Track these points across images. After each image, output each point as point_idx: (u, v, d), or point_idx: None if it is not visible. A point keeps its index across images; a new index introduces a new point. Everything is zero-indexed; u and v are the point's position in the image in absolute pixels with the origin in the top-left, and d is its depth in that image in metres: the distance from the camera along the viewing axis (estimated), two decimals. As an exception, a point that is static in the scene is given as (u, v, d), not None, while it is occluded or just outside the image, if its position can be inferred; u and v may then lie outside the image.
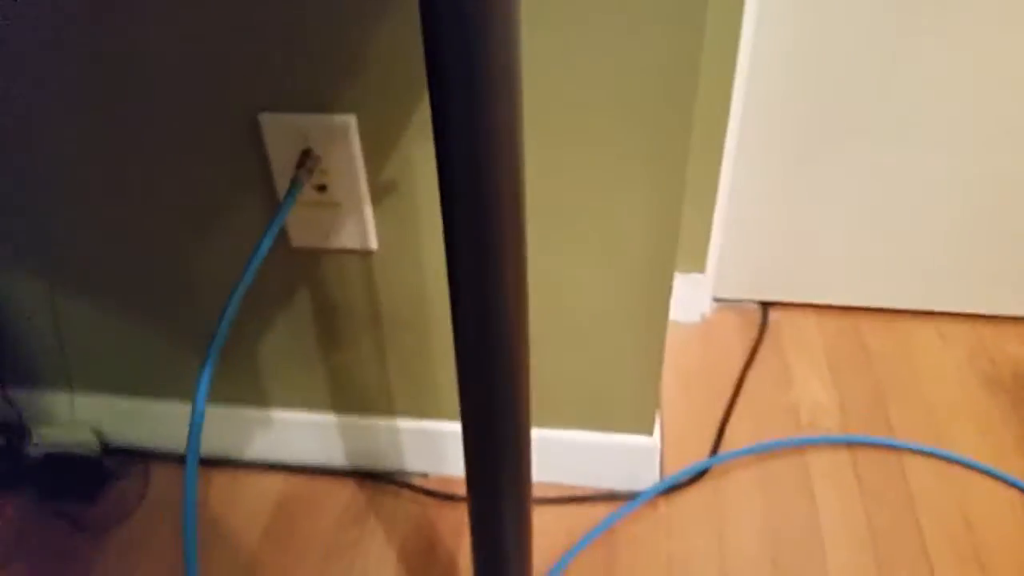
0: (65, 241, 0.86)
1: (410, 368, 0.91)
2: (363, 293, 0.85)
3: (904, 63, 1.00)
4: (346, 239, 0.81)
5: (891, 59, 1.00)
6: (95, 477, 1.00)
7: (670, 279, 0.80)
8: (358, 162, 0.75)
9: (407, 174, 0.76)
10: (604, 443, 0.94)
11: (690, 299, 1.21)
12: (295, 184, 0.72)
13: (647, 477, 0.97)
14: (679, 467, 1.00)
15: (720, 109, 1.02)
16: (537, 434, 0.94)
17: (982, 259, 1.16)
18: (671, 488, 0.98)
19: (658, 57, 0.66)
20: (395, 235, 0.80)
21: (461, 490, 0.98)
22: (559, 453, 0.95)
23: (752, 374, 1.14)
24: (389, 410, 0.96)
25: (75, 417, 1.02)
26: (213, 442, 1.01)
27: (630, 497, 0.96)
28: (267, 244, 0.68)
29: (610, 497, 0.97)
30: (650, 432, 0.93)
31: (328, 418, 0.97)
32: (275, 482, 1.01)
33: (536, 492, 0.97)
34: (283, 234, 0.82)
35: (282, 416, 0.98)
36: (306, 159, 0.74)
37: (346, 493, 0.99)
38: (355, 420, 0.97)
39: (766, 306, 1.26)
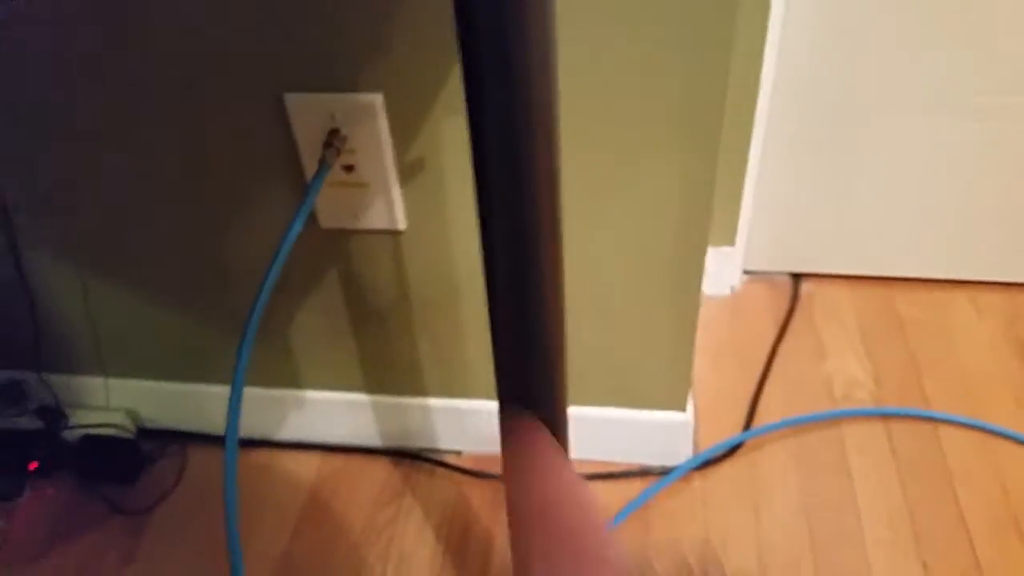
0: (96, 228, 0.87)
1: (441, 346, 0.91)
2: (392, 273, 0.85)
3: (933, 32, 0.98)
4: (375, 219, 0.80)
5: (920, 28, 0.98)
6: (132, 459, 1.01)
7: (703, 255, 0.79)
8: (385, 141, 0.75)
9: (435, 152, 0.75)
10: (638, 419, 0.94)
11: (720, 272, 1.20)
12: (323, 164, 0.72)
13: (681, 452, 0.96)
14: (713, 442, 0.99)
15: (751, 82, 1.01)
16: (572, 412, 0.94)
17: (1016, 227, 1.14)
18: (705, 463, 0.98)
19: (691, 32, 0.65)
20: (423, 214, 0.80)
21: (495, 467, 0.98)
22: (594, 430, 0.95)
23: (784, 347, 1.13)
24: (421, 389, 0.96)
25: (110, 401, 1.03)
26: (248, 423, 1.02)
27: (664, 473, 0.96)
28: (298, 226, 0.68)
29: (644, 473, 0.97)
30: (683, 408, 0.93)
31: (361, 397, 0.98)
32: (311, 462, 1.01)
33: (569, 469, 0.97)
34: (312, 215, 0.82)
35: (315, 396, 0.99)
36: (333, 139, 0.73)
37: (382, 472, 1.00)
38: (388, 399, 0.97)
39: (797, 278, 1.24)
